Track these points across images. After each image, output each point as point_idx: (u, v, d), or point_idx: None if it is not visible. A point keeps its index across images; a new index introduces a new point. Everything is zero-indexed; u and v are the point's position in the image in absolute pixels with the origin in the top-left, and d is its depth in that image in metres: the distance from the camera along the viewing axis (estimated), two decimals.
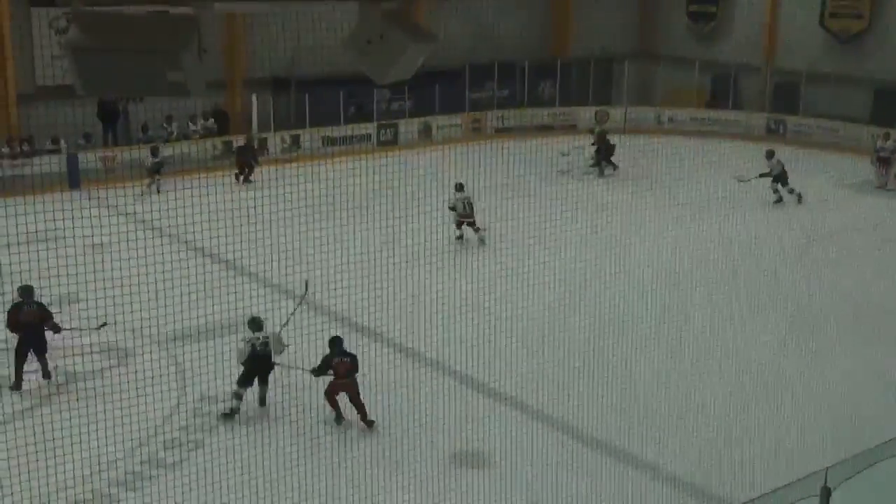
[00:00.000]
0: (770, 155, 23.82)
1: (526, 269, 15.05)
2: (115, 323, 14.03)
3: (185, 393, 12.95)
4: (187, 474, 10.65)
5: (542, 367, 13.63)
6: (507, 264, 16.06)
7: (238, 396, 12.53)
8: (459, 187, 20.24)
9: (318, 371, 12.38)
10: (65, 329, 13.48)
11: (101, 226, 18.23)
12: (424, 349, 13.89)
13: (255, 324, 13.00)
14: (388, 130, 31.93)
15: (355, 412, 12.23)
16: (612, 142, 27.35)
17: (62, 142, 26.52)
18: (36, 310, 13.35)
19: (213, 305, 14.22)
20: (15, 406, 12.40)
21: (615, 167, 27.03)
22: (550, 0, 36.36)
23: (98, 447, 10.50)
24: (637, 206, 21.92)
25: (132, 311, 13.56)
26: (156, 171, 25.12)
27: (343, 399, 12.28)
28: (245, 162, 26.56)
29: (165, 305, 12.63)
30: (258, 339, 12.74)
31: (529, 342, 14.36)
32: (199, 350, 13.01)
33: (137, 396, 11.04)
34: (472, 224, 20.13)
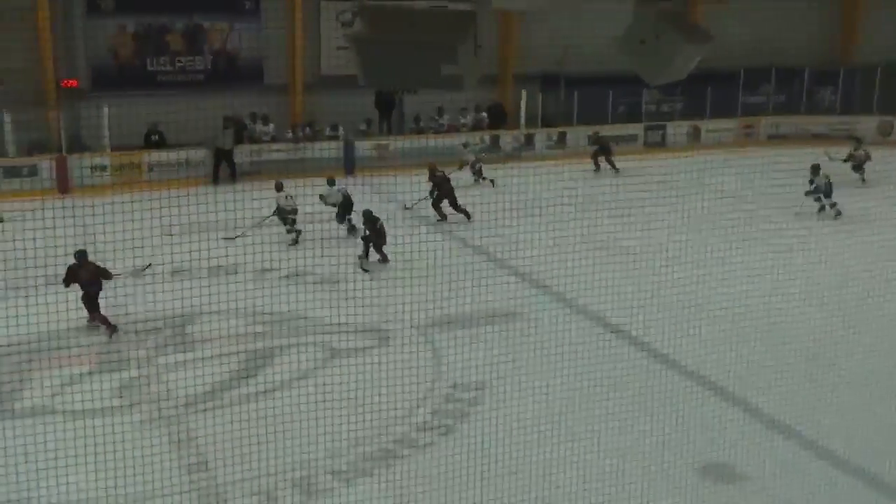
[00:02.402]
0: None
1: (788, 278, 14.42)
2: (376, 305, 14.65)
3: (439, 378, 13.31)
4: (437, 457, 10.94)
5: (798, 381, 12.99)
6: (768, 271, 15.43)
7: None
8: None
9: None
10: (115, 274, 14.77)
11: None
12: (679, 356, 13.60)
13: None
14: (655, 132, 31.46)
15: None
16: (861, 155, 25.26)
17: (341, 129, 27.90)
18: (93, 269, 14.74)
19: (471, 295, 14.55)
20: (283, 375, 13.19)
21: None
22: (839, 5, 34.52)
23: (354, 421, 10.99)
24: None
25: (395, 294, 14.08)
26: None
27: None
28: None
29: (427, 291, 13.05)
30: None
31: (786, 354, 13.72)
32: (456, 338, 13.37)
33: (394, 377, 11.45)
34: None
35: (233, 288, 16.10)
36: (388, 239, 17.65)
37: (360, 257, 17.89)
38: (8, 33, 24.41)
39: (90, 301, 14.79)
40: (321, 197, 19.91)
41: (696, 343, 12.96)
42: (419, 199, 21.14)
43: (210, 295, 13.89)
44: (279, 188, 19.77)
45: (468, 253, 17.76)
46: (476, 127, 29.89)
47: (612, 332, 14.76)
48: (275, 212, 19.58)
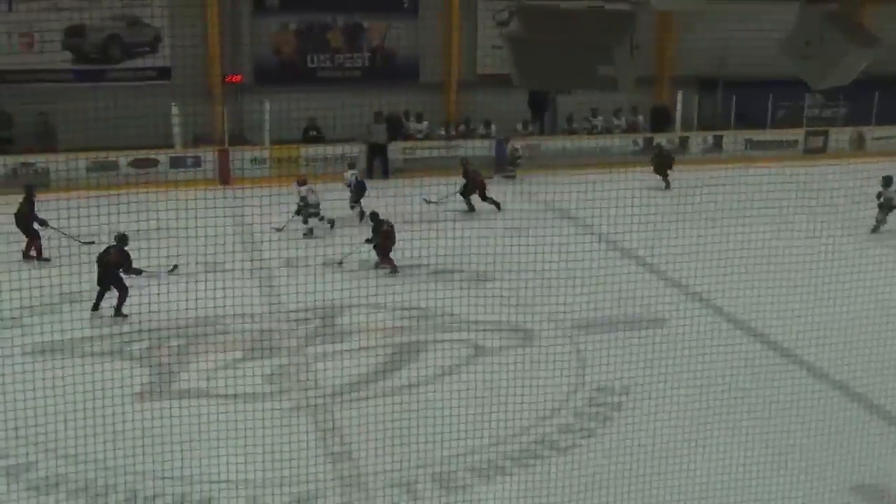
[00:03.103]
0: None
1: None
2: (522, 305, 14.65)
3: (582, 381, 13.21)
4: (577, 460, 10.87)
5: None
6: None
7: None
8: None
9: None
10: (144, 271, 15.10)
11: (520, 210, 19.06)
12: (835, 371, 13.10)
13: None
14: (817, 138, 30.38)
15: None
16: None
17: (493, 127, 27.98)
18: (114, 254, 15.18)
19: (618, 300, 14.37)
20: (429, 371, 13.31)
21: None
22: None
23: (496, 420, 11.01)
24: None
25: (541, 296, 14.04)
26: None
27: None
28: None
29: (573, 294, 12.97)
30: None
31: None
32: (601, 341, 13.23)
33: (538, 378, 11.41)
34: None
35: (382, 282, 16.45)
36: (537, 239, 17.53)
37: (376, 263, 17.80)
38: (180, 29, 25.48)
39: (105, 281, 15.38)
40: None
41: (855, 360, 12.44)
42: (447, 195, 21.23)
43: (359, 288, 14.17)
44: (302, 182, 20.03)
45: (616, 256, 17.55)
46: (631, 129, 29.51)
47: (762, 342, 14.35)
48: (301, 206, 19.69)
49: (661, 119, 29.91)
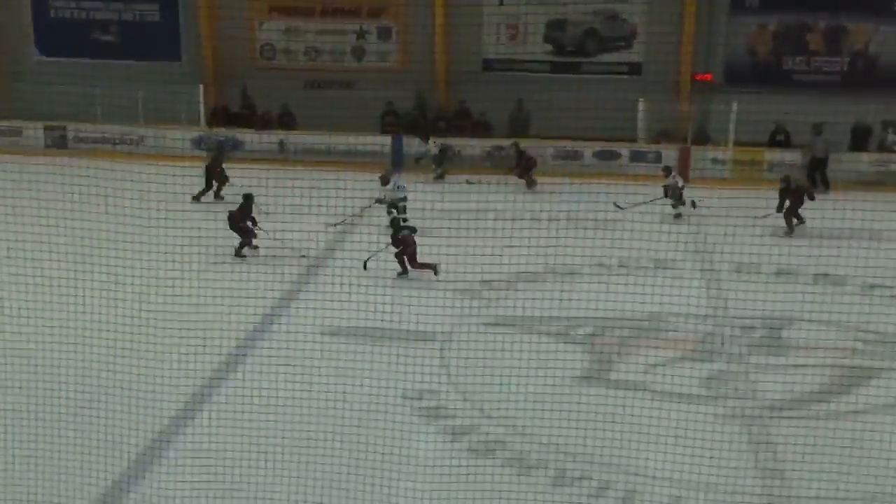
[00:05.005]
0: None
1: None
2: None
3: None
4: None
5: None
6: None
7: None
8: None
9: None
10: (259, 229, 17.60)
11: None
12: None
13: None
14: None
15: None
16: None
17: None
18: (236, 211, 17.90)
19: None
20: (879, 399, 12.43)
21: None
22: None
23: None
24: None
25: None
26: None
27: None
28: None
29: None
30: None
31: None
32: None
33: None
34: None
35: (837, 299, 15.56)
36: None
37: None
38: (656, 26, 25.82)
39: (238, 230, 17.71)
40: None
41: None
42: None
43: (812, 303, 13.54)
44: (385, 181, 19.74)
45: None
46: None
47: None
48: (387, 204, 19.37)
49: None
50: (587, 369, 13.23)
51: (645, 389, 12.40)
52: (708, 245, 17.63)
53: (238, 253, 17.83)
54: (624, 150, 25.45)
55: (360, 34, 28.09)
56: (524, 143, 24.69)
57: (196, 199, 20.51)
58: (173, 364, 10.66)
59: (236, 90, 27.88)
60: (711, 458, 9.69)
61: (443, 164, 24.91)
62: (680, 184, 21.20)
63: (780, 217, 19.58)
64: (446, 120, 26.89)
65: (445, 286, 14.31)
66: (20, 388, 10.60)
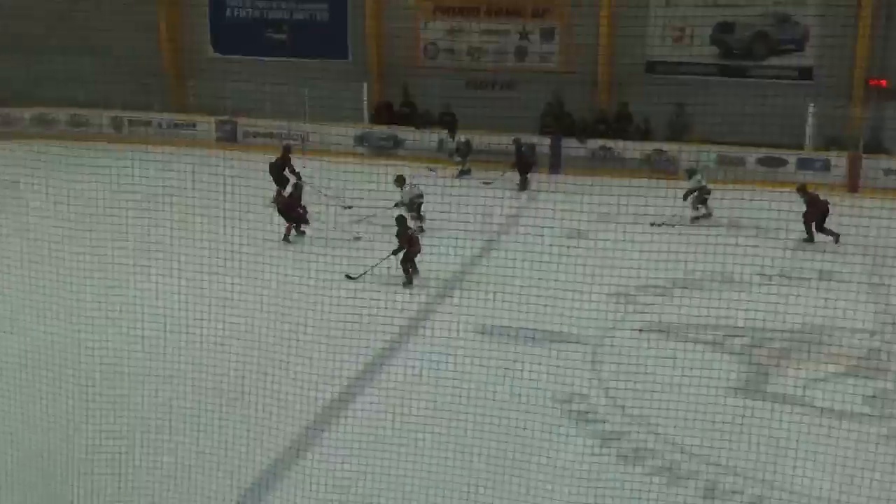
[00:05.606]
0: None
1: None
2: None
3: None
4: None
5: None
6: None
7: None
8: None
9: None
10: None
11: None
12: None
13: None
14: None
15: None
16: None
17: None
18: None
19: None
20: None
21: None
22: None
23: None
24: None
25: None
26: None
27: None
28: None
29: None
30: None
31: None
32: None
33: None
34: None
35: None
36: None
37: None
38: (830, 29, 24.89)
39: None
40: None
41: None
42: None
43: None
44: (400, 183, 19.16)
45: None
46: None
47: None
48: (409, 205, 19.19)
49: None
50: (742, 380, 12.90)
51: (804, 405, 12.00)
52: (877, 258, 16.91)
53: (286, 238, 18.78)
54: (791, 156, 24.65)
55: (523, 34, 28.16)
56: (668, 147, 24.25)
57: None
58: (321, 365, 10.94)
59: (398, 89, 28.38)
60: (873, 480, 9.30)
61: (467, 158, 24.91)
62: (707, 187, 20.61)
63: None
64: (606, 123, 26.63)
65: (600, 290, 14.22)
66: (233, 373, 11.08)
